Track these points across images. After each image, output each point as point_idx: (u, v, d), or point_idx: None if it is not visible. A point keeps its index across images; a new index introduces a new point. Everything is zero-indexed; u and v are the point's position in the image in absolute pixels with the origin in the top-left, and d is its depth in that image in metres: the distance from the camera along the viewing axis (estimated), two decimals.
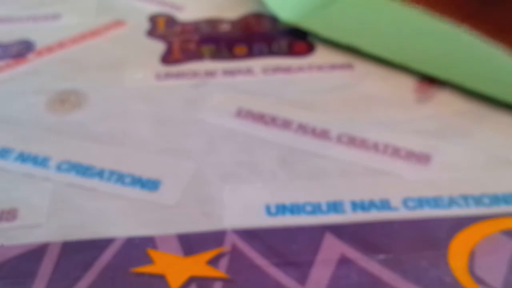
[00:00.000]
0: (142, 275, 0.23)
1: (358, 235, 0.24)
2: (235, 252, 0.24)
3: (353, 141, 0.29)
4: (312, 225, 0.25)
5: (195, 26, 0.38)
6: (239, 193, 0.26)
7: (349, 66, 0.34)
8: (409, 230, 0.25)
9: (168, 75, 0.34)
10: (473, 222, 0.25)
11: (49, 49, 0.36)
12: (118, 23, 0.38)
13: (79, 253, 0.24)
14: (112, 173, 0.27)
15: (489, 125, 0.30)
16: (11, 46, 0.36)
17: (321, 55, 0.35)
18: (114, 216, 0.25)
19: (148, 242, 0.24)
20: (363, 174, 0.27)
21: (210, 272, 0.23)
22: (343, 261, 0.23)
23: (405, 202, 0.26)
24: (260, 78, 0.33)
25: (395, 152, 0.28)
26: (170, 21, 0.39)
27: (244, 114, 0.31)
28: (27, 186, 0.27)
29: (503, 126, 0.30)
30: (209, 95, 0.32)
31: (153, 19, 0.39)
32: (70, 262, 0.23)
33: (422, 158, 0.28)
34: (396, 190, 0.26)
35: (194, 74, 0.34)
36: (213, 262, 0.23)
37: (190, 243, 0.24)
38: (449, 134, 0.30)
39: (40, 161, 0.28)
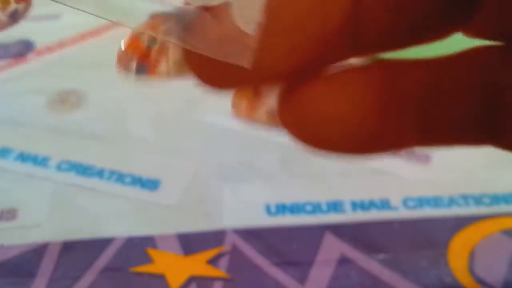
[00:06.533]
0: (142, 274, 0.23)
1: (358, 235, 0.24)
2: (235, 252, 0.24)
3: None
4: (312, 225, 0.25)
5: None
6: (239, 193, 0.26)
7: None
8: (409, 229, 0.25)
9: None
10: (473, 221, 0.25)
11: (49, 49, 0.36)
12: (118, 23, 0.38)
13: (79, 253, 0.24)
14: (112, 173, 0.27)
15: None
16: (11, 46, 0.36)
17: None
18: (114, 216, 0.25)
19: (148, 241, 0.24)
20: (363, 174, 0.27)
21: (210, 271, 0.23)
22: (343, 261, 0.23)
23: (405, 201, 0.26)
24: None
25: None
26: None
27: None
28: (27, 186, 0.27)
29: None
30: (209, 95, 0.32)
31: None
32: (70, 262, 0.23)
33: (422, 158, 0.28)
34: (396, 189, 0.26)
35: None
36: (213, 261, 0.23)
37: (190, 243, 0.24)
38: None
39: (40, 161, 0.28)
